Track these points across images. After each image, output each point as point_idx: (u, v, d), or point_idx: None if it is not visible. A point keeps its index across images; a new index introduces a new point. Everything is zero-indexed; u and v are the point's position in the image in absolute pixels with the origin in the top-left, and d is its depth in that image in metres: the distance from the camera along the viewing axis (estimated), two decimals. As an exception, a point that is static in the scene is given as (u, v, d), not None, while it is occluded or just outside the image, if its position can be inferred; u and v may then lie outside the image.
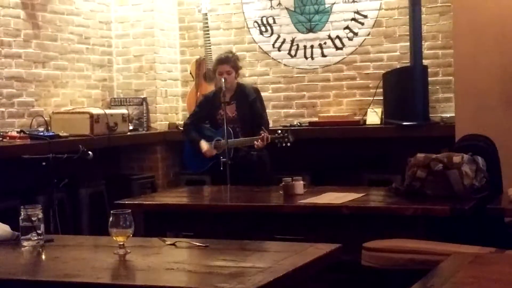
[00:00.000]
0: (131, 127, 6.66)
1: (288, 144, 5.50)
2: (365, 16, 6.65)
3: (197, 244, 2.92)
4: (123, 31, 7.03)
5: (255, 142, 5.44)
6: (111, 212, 2.83)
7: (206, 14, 6.86)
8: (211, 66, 5.95)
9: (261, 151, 5.58)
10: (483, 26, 5.40)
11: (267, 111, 6.02)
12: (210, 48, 6.73)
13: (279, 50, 6.93)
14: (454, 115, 5.73)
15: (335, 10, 6.72)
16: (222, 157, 5.42)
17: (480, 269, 2.53)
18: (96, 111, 6.19)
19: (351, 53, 6.70)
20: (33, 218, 2.95)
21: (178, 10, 7.25)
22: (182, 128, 6.06)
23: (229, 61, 5.65)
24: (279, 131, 5.56)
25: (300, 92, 6.87)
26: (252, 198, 4.67)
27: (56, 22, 6.35)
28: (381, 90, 6.45)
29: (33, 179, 5.12)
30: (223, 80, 5.52)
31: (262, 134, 5.42)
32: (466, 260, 2.61)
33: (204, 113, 5.79)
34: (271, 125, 6.63)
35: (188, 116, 6.17)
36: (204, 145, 5.65)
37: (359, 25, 6.67)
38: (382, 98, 6.43)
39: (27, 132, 5.61)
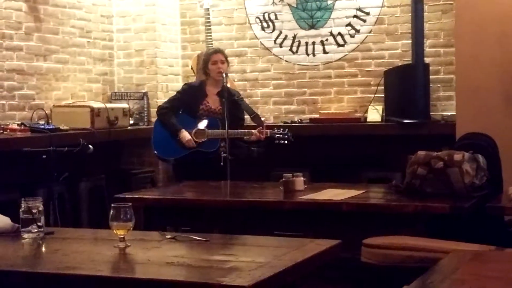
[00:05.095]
0: (131, 122, 6.65)
1: (286, 142, 5.50)
2: (367, 13, 6.64)
3: (197, 238, 2.92)
4: (124, 26, 7.02)
5: (254, 132, 5.37)
6: (112, 205, 2.83)
7: (208, 9, 6.86)
8: (203, 59, 5.87)
9: (260, 147, 5.58)
10: (485, 25, 5.40)
11: (268, 107, 5.98)
12: (211, 44, 6.72)
13: (280, 46, 6.92)
14: (455, 113, 5.73)
15: (337, 7, 6.71)
16: (223, 152, 5.40)
17: (480, 267, 2.52)
18: (97, 105, 6.19)
19: (353, 50, 6.69)
20: (34, 210, 2.95)
21: (180, 5, 7.23)
22: (157, 111, 5.85)
23: (223, 52, 5.75)
24: (279, 129, 5.53)
25: (301, 88, 6.87)
26: (252, 193, 4.67)
27: (57, 16, 6.35)
28: (382, 87, 6.45)
29: (33, 172, 5.12)
30: (224, 75, 5.52)
31: (262, 128, 5.39)
32: (466, 258, 2.61)
33: (185, 101, 5.71)
34: (271, 121, 6.65)
35: (166, 100, 6.01)
36: (186, 135, 5.55)
37: (361, 22, 6.66)
38: (383, 95, 6.43)
39: (28, 125, 5.60)
